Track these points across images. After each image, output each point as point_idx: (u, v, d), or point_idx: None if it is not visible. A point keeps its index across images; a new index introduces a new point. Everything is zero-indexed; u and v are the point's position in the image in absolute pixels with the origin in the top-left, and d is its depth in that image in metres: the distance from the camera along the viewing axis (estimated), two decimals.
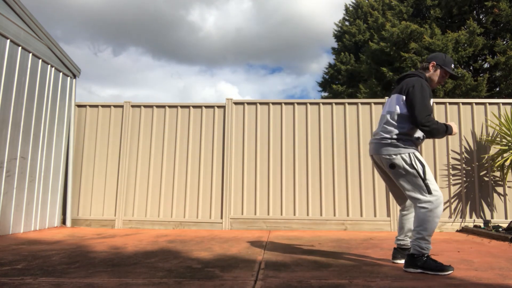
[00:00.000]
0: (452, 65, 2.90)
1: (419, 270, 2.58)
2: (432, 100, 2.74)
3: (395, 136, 2.71)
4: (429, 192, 2.60)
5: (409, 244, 2.90)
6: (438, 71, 2.85)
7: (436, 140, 5.66)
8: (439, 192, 2.62)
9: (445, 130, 2.66)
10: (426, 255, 2.59)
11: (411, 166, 2.64)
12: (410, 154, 2.66)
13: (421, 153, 5.64)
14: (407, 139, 2.70)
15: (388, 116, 2.79)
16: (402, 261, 2.88)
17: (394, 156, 2.68)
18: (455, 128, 2.74)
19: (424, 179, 2.61)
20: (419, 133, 2.79)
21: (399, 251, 2.97)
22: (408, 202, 2.95)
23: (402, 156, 2.66)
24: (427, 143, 5.67)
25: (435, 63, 2.85)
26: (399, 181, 2.72)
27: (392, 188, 3.00)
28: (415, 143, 2.77)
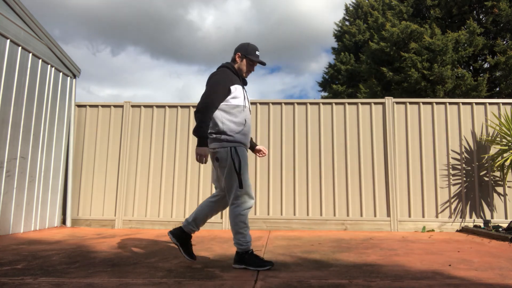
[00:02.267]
0: (257, 52, 2.95)
1: (242, 266, 2.71)
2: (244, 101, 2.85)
3: (216, 130, 2.79)
4: (241, 187, 2.71)
5: (191, 230, 2.91)
6: (244, 60, 2.93)
7: (436, 140, 5.66)
8: (250, 188, 2.74)
9: (197, 133, 2.66)
10: (249, 251, 2.71)
11: (230, 159, 2.72)
12: (231, 148, 2.74)
13: (421, 153, 5.64)
14: (231, 132, 2.76)
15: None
16: (174, 240, 2.88)
17: (218, 150, 2.76)
18: (198, 156, 2.67)
19: (238, 173, 2.71)
20: (240, 121, 2.81)
21: (181, 231, 2.91)
22: (220, 193, 2.95)
23: (225, 149, 2.74)
24: (426, 144, 5.67)
25: (240, 53, 2.93)
26: (220, 173, 2.81)
27: (213, 176, 3.00)
28: (243, 133, 2.81)
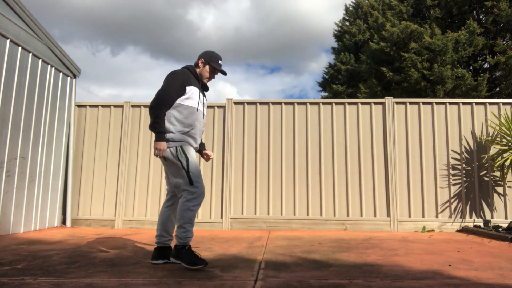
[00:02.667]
0: (220, 61, 3.05)
1: (178, 261, 2.72)
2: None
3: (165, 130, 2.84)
4: (191, 183, 2.75)
5: (167, 242, 2.94)
6: (207, 67, 3.02)
7: (436, 140, 5.66)
8: (200, 185, 2.79)
9: (154, 129, 2.75)
10: (186, 246, 2.72)
11: (176, 157, 2.77)
12: (177, 147, 2.79)
13: (421, 153, 5.64)
14: (176, 131, 2.82)
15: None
16: (160, 262, 2.89)
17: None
18: (156, 151, 2.76)
19: (187, 171, 2.75)
20: (189, 122, 2.87)
21: (160, 250, 2.92)
22: (172, 195, 2.99)
23: (171, 149, 2.79)
24: (426, 144, 5.67)
25: (203, 59, 3.02)
26: (169, 172, 2.87)
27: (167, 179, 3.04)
28: (190, 135, 2.87)
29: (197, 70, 3.03)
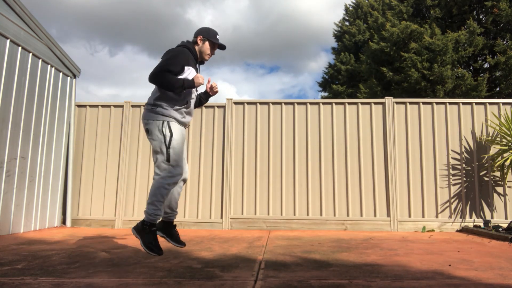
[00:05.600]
0: (218, 36, 3.02)
1: (138, 237, 2.73)
2: (192, 68, 2.83)
3: (153, 103, 2.79)
4: (168, 160, 2.70)
5: (171, 218, 3.01)
6: (206, 43, 2.99)
7: (436, 140, 5.66)
8: (178, 164, 2.73)
9: (182, 84, 2.70)
10: (152, 225, 2.72)
11: (160, 132, 2.73)
12: (164, 122, 2.75)
13: (421, 153, 5.64)
14: (167, 107, 2.76)
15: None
16: (160, 233, 2.95)
17: (150, 121, 2.78)
18: (197, 79, 2.76)
19: (168, 147, 2.70)
20: (181, 102, 2.82)
21: (164, 223, 3.02)
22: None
23: (157, 122, 2.75)
24: (426, 144, 5.67)
25: (201, 36, 2.98)
26: (152, 145, 2.83)
27: None
28: (181, 112, 2.82)
29: (197, 47, 2.99)
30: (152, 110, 2.78)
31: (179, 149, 2.75)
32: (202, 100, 3.18)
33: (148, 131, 2.78)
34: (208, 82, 3.11)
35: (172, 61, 2.74)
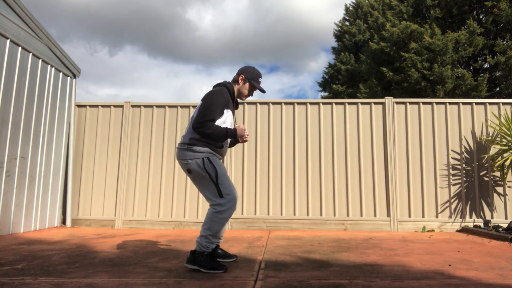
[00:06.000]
0: (260, 79, 2.96)
1: (195, 267, 2.62)
2: (228, 112, 2.78)
3: (189, 141, 2.73)
4: (221, 196, 2.64)
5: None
6: (247, 84, 2.92)
7: (436, 140, 5.66)
8: (231, 196, 2.65)
9: (225, 134, 2.67)
10: (205, 253, 2.64)
11: (204, 170, 2.66)
12: (204, 158, 2.69)
13: (421, 153, 5.64)
14: (203, 144, 2.71)
15: (189, 123, 2.84)
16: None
17: (189, 161, 2.70)
18: (240, 131, 2.75)
19: (216, 183, 2.65)
20: (218, 144, 2.79)
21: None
22: None
23: (196, 161, 2.68)
24: (426, 144, 5.67)
25: (243, 76, 2.90)
26: (196, 185, 2.77)
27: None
28: (216, 148, 2.77)
29: (236, 87, 2.92)
30: (188, 149, 2.71)
31: (227, 179, 2.70)
32: (231, 144, 3.11)
33: (190, 172, 2.72)
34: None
35: (214, 108, 2.68)
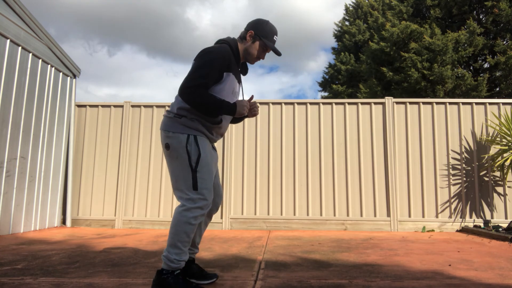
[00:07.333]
0: (275, 37, 2.26)
1: None
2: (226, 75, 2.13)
3: (176, 111, 2.12)
4: (195, 188, 2.03)
5: (191, 256, 2.31)
6: (257, 43, 2.23)
7: (436, 140, 5.65)
8: (208, 192, 2.06)
9: (219, 108, 2.03)
10: (176, 272, 2.01)
11: (184, 149, 2.05)
12: (190, 135, 2.07)
13: (421, 153, 5.63)
14: (194, 118, 2.09)
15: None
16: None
17: (171, 134, 2.08)
18: (240, 107, 2.10)
19: (194, 170, 2.03)
20: (215, 119, 2.17)
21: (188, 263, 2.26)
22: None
23: (179, 135, 2.07)
24: (426, 144, 5.66)
25: (253, 32, 2.22)
26: (169, 168, 2.12)
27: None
28: (212, 124, 2.16)
29: (242, 45, 2.24)
30: (175, 119, 2.10)
31: (208, 172, 2.07)
32: (233, 120, 2.44)
33: (168, 147, 2.08)
34: (249, 100, 2.25)
35: (209, 70, 2.04)
